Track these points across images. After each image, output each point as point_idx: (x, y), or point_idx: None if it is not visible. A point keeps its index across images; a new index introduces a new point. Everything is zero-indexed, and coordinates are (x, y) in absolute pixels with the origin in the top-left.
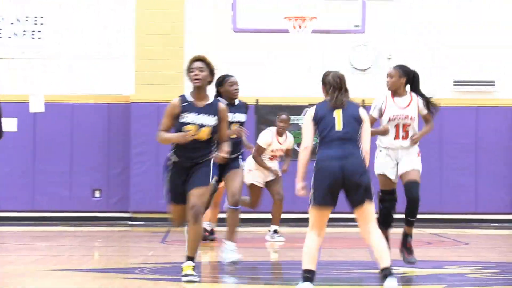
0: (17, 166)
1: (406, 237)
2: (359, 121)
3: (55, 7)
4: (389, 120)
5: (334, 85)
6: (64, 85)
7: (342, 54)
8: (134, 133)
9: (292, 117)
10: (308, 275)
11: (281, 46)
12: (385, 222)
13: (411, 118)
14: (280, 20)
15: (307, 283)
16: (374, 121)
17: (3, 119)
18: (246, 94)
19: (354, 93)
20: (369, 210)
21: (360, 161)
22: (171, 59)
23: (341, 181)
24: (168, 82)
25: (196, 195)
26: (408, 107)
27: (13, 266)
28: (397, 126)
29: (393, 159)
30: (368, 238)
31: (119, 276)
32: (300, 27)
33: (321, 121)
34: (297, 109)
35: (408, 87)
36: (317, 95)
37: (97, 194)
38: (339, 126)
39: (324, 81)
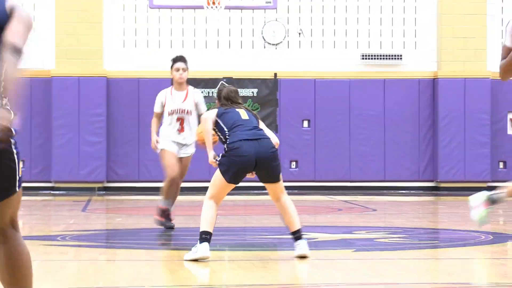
0: None
1: None
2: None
3: None
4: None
5: (232, 99)
6: None
7: (254, 29)
8: (55, 107)
9: (208, 90)
10: (207, 236)
11: (197, 22)
12: None
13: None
14: None
15: (206, 244)
16: None
17: None
18: (163, 69)
19: (267, 67)
20: (281, 184)
21: (272, 143)
22: (91, 34)
23: (255, 162)
24: (87, 57)
25: None
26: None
27: None
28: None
29: None
30: (280, 205)
31: (42, 243)
32: (214, 3)
33: (225, 115)
34: (213, 83)
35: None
36: (233, 69)
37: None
38: (244, 116)
39: (219, 96)
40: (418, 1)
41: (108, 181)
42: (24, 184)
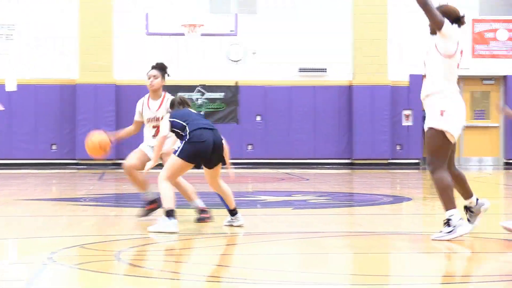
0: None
1: None
2: None
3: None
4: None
5: (186, 102)
6: (29, 70)
7: (221, 50)
8: (78, 105)
9: (188, 94)
10: (173, 213)
11: (181, 44)
12: None
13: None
14: (178, 26)
15: (175, 220)
16: None
17: None
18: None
19: (231, 77)
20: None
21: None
22: (104, 53)
23: (212, 148)
24: (101, 70)
25: None
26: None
27: None
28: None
29: None
30: (219, 189)
31: (69, 203)
32: (192, 31)
33: (178, 113)
34: (192, 88)
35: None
36: (206, 78)
37: (53, 147)
38: (195, 112)
39: (173, 103)
40: (337, 31)
41: (117, 159)
42: (55, 161)
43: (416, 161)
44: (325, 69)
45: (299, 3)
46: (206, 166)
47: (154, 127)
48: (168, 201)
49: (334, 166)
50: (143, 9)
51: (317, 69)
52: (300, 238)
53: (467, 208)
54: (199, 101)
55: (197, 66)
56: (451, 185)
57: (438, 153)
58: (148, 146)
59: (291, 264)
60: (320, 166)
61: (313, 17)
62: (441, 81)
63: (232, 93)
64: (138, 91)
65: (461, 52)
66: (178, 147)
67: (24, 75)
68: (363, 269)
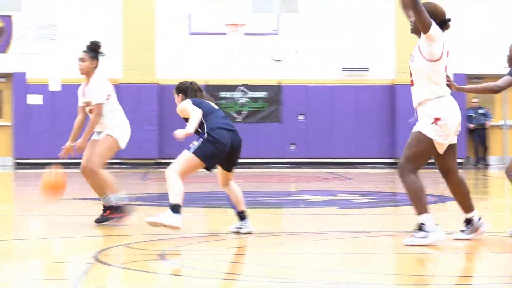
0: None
1: None
2: None
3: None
4: None
5: (202, 90)
6: (73, 70)
7: (264, 49)
8: (122, 104)
9: (230, 93)
10: (179, 209)
11: (223, 44)
12: None
13: None
14: (221, 26)
15: (180, 216)
16: None
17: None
18: (196, 77)
19: (273, 76)
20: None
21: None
22: (146, 55)
23: (229, 150)
24: (144, 69)
25: None
26: None
27: None
28: None
29: None
30: (229, 189)
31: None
32: (234, 31)
33: (201, 104)
34: (234, 87)
35: None
36: (250, 77)
37: None
38: (214, 106)
39: (186, 88)
40: (380, 30)
41: (159, 158)
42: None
43: (460, 160)
44: (367, 68)
45: (340, 2)
46: (223, 168)
47: (90, 111)
48: (176, 196)
49: (376, 165)
50: (186, 9)
51: (359, 68)
52: (344, 238)
53: (467, 220)
54: (242, 101)
55: (239, 66)
56: (423, 188)
57: (418, 159)
58: (95, 132)
59: (335, 264)
60: (362, 165)
61: (355, 15)
62: (431, 86)
63: (275, 92)
64: None
65: (447, 53)
66: (194, 144)
67: (69, 75)
68: (408, 269)
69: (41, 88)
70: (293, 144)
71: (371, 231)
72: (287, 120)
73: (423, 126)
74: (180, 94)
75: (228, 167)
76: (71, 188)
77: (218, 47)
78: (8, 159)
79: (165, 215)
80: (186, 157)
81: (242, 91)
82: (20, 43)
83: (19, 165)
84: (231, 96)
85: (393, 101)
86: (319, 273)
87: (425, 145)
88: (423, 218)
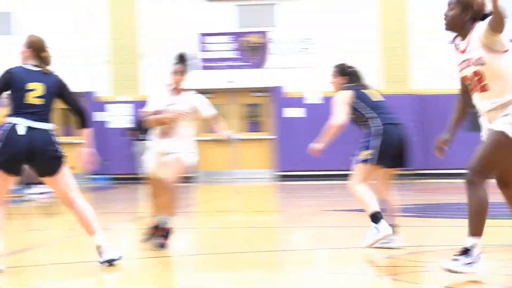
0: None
1: None
2: None
3: None
4: None
5: (359, 75)
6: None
7: None
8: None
9: None
10: (380, 215)
11: None
12: None
13: None
14: None
15: (384, 221)
16: None
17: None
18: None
19: None
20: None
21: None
22: (402, 64)
23: (399, 146)
24: (401, 80)
25: None
26: None
27: None
28: None
29: None
30: (384, 194)
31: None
32: None
33: (362, 96)
34: None
35: None
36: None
37: None
38: (377, 97)
39: (344, 70)
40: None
41: (424, 168)
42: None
43: None
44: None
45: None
46: (393, 165)
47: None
48: (369, 206)
49: None
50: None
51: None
52: None
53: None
54: None
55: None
56: (488, 209)
57: (495, 164)
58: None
59: None
60: None
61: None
62: (511, 82)
63: None
64: (437, 100)
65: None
66: (363, 147)
67: (327, 88)
68: None
69: (298, 101)
70: None
71: None
72: None
73: (507, 126)
74: (341, 77)
75: (400, 164)
76: (340, 200)
77: None
78: (268, 171)
79: (372, 230)
80: (360, 166)
81: None
82: (276, 58)
83: (282, 177)
84: None
85: None
86: None
87: (508, 149)
88: (474, 241)
